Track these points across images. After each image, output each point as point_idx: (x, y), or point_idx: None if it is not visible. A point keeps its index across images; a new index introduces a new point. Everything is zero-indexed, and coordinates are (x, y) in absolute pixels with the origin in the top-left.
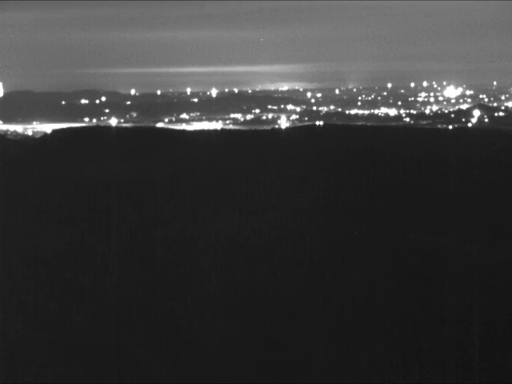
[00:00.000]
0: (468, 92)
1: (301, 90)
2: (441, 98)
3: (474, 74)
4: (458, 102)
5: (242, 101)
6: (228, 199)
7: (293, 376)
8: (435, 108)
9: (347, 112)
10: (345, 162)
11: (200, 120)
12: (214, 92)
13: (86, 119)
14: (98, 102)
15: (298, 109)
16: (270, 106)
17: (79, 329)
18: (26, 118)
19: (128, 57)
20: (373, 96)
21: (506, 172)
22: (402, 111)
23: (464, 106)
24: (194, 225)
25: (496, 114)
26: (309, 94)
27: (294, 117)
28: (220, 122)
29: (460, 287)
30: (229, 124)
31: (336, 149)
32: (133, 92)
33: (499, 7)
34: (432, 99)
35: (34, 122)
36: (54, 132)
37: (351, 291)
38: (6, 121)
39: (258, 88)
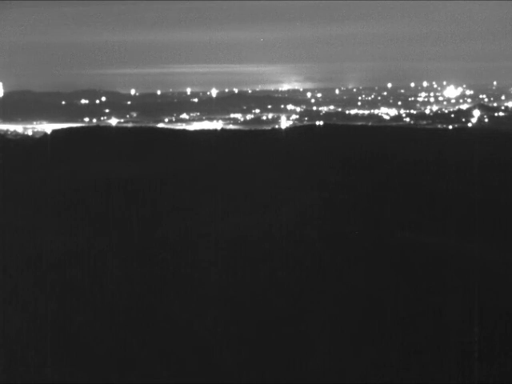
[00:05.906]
0: (468, 92)
1: (301, 90)
2: (441, 98)
3: (474, 74)
4: (458, 102)
5: (242, 101)
6: (228, 199)
7: (293, 376)
8: (435, 108)
9: (347, 112)
10: (345, 162)
11: (200, 120)
12: (214, 92)
13: (86, 119)
14: (98, 102)
15: (298, 109)
16: (269, 106)
17: (79, 329)
18: (26, 118)
19: (128, 57)
20: (373, 96)
21: (506, 172)
22: (402, 111)
23: (464, 106)
24: (195, 225)
25: (496, 114)
26: (309, 94)
27: (294, 117)
28: (220, 121)
29: (460, 287)
30: (229, 124)
31: (336, 149)
32: (133, 92)
33: (499, 7)
34: (432, 99)
35: (34, 122)
36: (54, 132)
37: (351, 291)
38: (6, 121)
39: (258, 88)
